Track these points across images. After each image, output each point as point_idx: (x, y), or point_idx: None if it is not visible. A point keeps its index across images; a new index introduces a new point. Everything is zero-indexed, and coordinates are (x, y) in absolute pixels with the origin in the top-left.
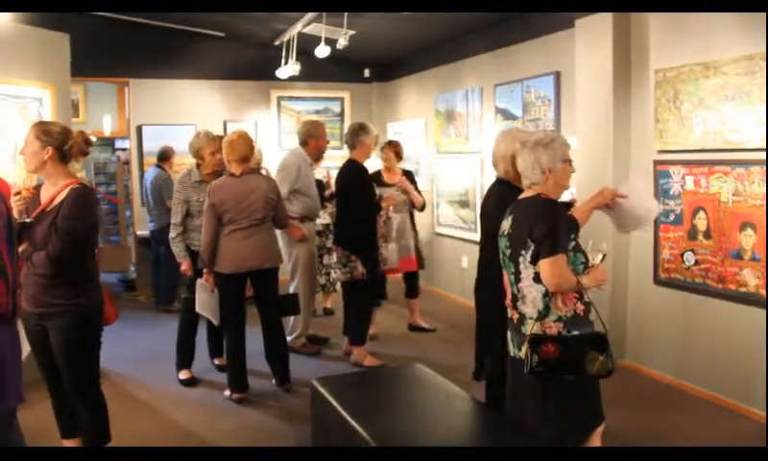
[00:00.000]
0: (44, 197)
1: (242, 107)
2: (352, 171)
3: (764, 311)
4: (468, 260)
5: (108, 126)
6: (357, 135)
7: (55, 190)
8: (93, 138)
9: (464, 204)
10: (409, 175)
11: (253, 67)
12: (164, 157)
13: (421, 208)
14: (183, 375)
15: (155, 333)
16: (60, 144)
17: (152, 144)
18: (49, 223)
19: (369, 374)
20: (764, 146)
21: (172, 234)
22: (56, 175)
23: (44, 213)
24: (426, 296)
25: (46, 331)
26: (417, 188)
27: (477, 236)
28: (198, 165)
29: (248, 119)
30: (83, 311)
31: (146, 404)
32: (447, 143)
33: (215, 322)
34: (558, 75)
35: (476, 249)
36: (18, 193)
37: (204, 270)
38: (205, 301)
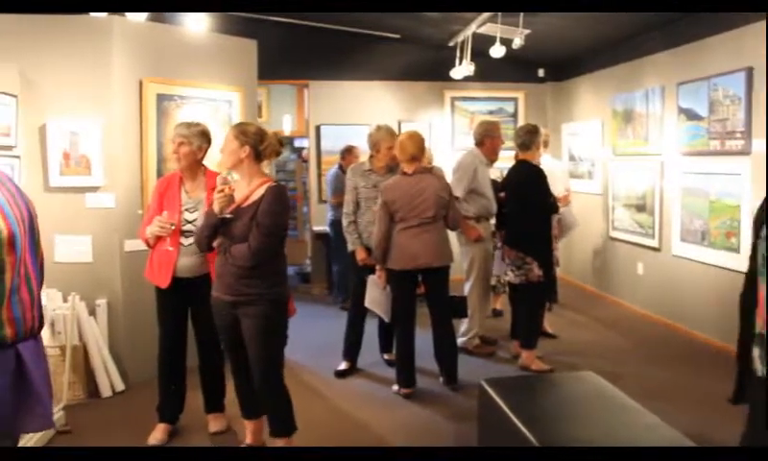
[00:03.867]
0: (238, 195)
1: (416, 107)
2: (529, 172)
3: None
4: (643, 267)
5: (287, 126)
6: (534, 136)
7: (249, 188)
8: None
9: (641, 208)
10: None
11: (428, 68)
12: (345, 155)
13: None
14: (341, 365)
15: (328, 325)
16: (255, 144)
17: (329, 143)
18: (249, 218)
19: (539, 378)
20: None
21: (344, 223)
22: (251, 173)
23: (241, 209)
24: (597, 302)
25: (237, 319)
26: None
27: (655, 242)
28: (371, 157)
29: (421, 119)
30: (274, 301)
31: (319, 393)
32: (625, 145)
33: (385, 319)
34: (750, 71)
35: (654, 255)
36: (222, 190)
37: (377, 267)
38: (376, 297)
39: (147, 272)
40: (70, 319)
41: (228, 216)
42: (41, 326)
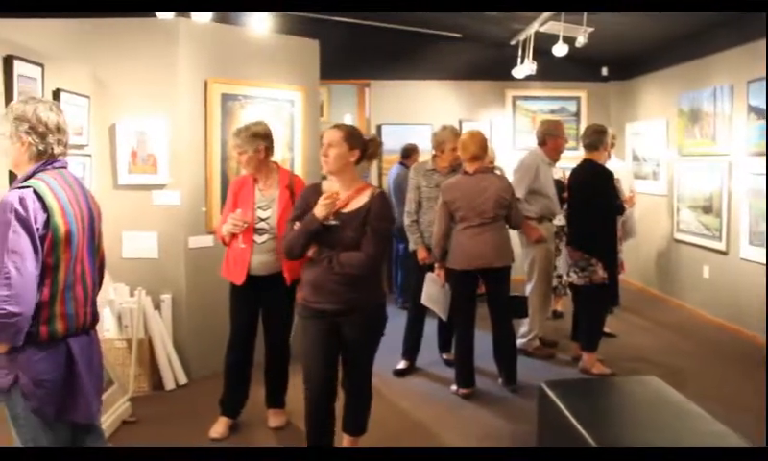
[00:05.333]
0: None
1: (477, 107)
2: (596, 172)
3: None
4: (709, 270)
5: None
6: (602, 137)
7: (348, 194)
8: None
9: (707, 209)
10: None
11: (489, 67)
12: (407, 154)
13: None
14: (400, 364)
15: (387, 323)
16: (364, 148)
17: (390, 143)
18: (358, 224)
19: (600, 381)
20: None
21: (406, 222)
22: (350, 178)
23: (346, 215)
24: (661, 305)
25: (337, 326)
26: None
27: (722, 245)
28: (434, 157)
29: (482, 119)
30: (379, 306)
31: (378, 392)
32: (691, 145)
33: (442, 317)
34: None
35: (721, 258)
36: (330, 196)
37: (436, 265)
38: (433, 294)
39: (223, 270)
40: (136, 313)
41: (334, 223)
42: (95, 322)
